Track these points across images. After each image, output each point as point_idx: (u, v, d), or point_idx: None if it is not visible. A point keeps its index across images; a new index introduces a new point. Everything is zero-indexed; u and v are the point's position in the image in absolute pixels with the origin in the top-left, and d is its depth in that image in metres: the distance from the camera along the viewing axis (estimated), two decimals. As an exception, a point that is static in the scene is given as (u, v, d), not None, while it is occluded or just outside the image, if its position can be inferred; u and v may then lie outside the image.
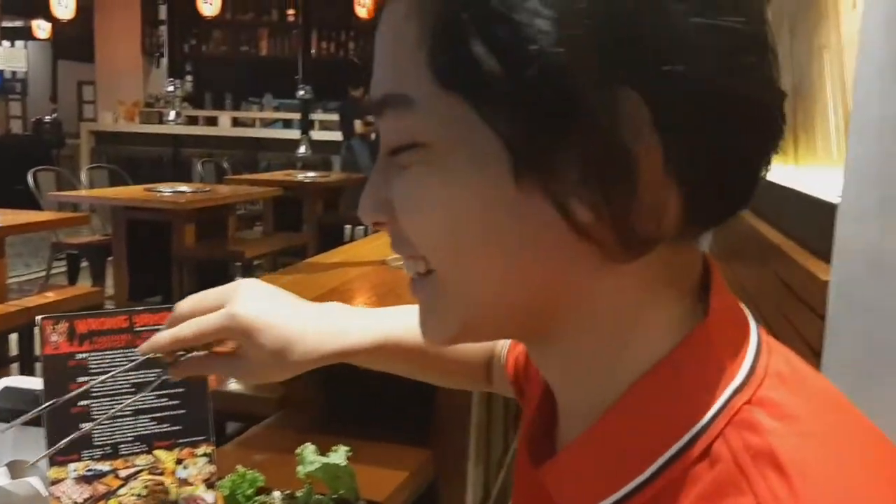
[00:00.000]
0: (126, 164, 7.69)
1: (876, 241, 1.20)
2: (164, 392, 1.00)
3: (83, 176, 6.11)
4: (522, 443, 0.56)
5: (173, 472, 1.01)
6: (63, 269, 5.66)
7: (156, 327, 1.00)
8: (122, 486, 0.98)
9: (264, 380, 0.76)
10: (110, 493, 0.97)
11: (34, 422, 0.98)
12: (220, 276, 5.23)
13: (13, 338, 3.84)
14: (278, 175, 6.93)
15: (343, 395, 1.97)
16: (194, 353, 0.76)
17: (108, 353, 0.97)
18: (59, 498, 0.95)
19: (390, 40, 0.45)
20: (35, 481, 0.97)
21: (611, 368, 0.46)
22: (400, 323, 0.79)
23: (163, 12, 10.22)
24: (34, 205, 5.31)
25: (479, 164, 0.42)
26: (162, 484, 1.00)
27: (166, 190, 5.16)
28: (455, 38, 0.40)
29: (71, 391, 0.96)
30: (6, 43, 10.64)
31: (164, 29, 10.22)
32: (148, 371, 1.00)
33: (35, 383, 1.03)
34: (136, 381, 0.99)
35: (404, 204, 0.46)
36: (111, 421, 0.98)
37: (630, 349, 0.45)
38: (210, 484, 1.02)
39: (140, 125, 9.68)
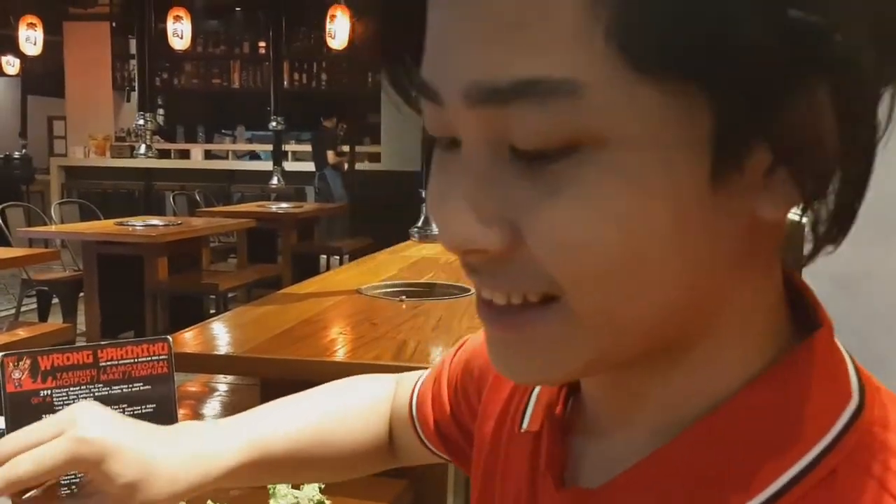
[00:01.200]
0: (98, 199, 7.64)
1: (842, 259, 1.22)
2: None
3: (53, 211, 6.04)
4: (534, 470, 0.48)
5: (142, 510, 0.98)
6: (33, 306, 5.58)
7: (121, 362, 0.99)
8: (88, 525, 0.96)
9: None
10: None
11: None
12: (194, 308, 5.19)
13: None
14: (252, 206, 6.91)
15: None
16: (31, 494, 0.62)
17: (73, 389, 0.95)
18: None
19: (513, 3, 0.33)
20: (-2, 524, 0.94)
21: (716, 374, 0.41)
22: (268, 429, 0.70)
23: (133, 46, 10.22)
24: (3, 241, 5.25)
25: (672, 166, 0.34)
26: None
27: (138, 224, 5.12)
28: (680, 13, 0.31)
29: (35, 429, 0.94)
30: (-26, 79, 10.56)
31: (134, 63, 10.22)
32: (116, 406, 0.98)
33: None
34: (102, 417, 0.97)
35: (559, 224, 0.35)
36: (77, 459, 0.95)
37: (744, 355, 0.41)
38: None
39: (111, 159, 9.63)
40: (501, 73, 0.33)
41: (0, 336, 3.69)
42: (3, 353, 0.94)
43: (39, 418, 0.94)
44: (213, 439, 0.68)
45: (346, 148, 8.56)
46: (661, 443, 0.40)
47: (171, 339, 1.02)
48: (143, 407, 0.99)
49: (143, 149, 4.59)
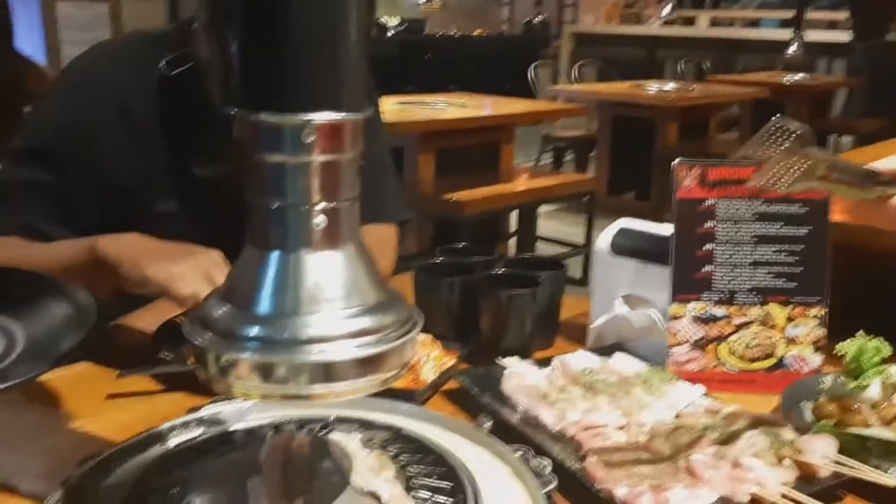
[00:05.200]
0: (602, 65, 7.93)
1: None
2: (783, 247, 1.00)
3: (574, 71, 6.45)
4: None
5: (783, 329, 1.01)
6: (549, 160, 6.10)
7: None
8: (733, 333, 1.01)
9: None
10: (721, 338, 1.01)
11: (657, 259, 1.05)
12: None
13: (513, 215, 4.24)
14: (762, 76, 6.56)
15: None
16: None
17: (734, 201, 0.99)
18: (675, 333, 1.01)
19: None
20: (654, 314, 1.04)
21: None
22: None
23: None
24: (529, 96, 5.76)
25: None
26: (770, 338, 1.01)
27: (653, 87, 5.21)
28: None
29: (697, 235, 1.01)
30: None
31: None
32: (771, 224, 1.00)
33: (646, 226, 1.10)
34: (759, 232, 1.00)
35: None
36: (730, 268, 1.00)
37: None
38: (818, 347, 1.01)
39: (619, 26, 9.87)
40: None
41: (526, 181, 4.04)
42: (678, 160, 1.01)
43: (702, 225, 1.01)
44: None
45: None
46: None
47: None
48: (798, 228, 1.00)
49: (667, 9, 4.58)
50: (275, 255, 0.57)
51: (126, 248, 1.03)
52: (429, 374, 0.99)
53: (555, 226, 4.94)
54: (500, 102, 4.17)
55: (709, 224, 0.99)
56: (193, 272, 0.97)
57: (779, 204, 0.98)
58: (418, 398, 0.94)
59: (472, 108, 3.91)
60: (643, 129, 5.07)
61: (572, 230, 4.65)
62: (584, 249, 4.29)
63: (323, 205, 0.56)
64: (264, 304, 0.57)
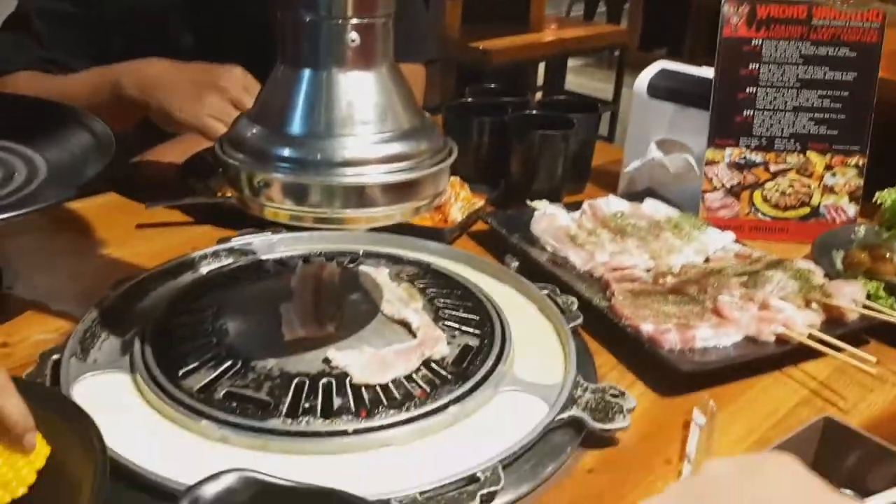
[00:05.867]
0: None
1: None
2: (827, 93, 0.96)
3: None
4: None
5: (821, 178, 0.98)
6: (580, 11, 5.87)
7: (833, 23, 0.95)
8: (769, 180, 0.99)
9: None
10: (757, 185, 0.99)
11: (695, 103, 1.01)
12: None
13: (541, 69, 4.13)
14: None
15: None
16: None
17: (781, 42, 0.95)
18: (710, 179, 0.99)
19: None
20: (690, 158, 1.02)
21: None
22: None
23: None
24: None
25: None
26: (808, 186, 0.99)
27: (694, -67, 4.92)
28: None
29: (741, 77, 0.97)
30: None
31: None
32: (817, 67, 0.96)
33: (686, 68, 1.06)
34: (804, 76, 0.96)
35: None
36: (771, 113, 0.97)
37: None
38: (854, 197, 0.99)
39: None
40: None
41: (556, 31, 3.90)
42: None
43: (746, 66, 0.97)
44: None
45: None
46: None
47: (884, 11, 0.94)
48: (844, 73, 0.95)
49: None
50: (306, 73, 0.55)
51: (150, 86, 1.00)
52: (457, 214, 0.98)
53: (583, 81, 4.82)
54: (531, -54, 3.96)
55: (753, 66, 0.95)
56: (222, 106, 0.94)
57: (827, 46, 0.94)
58: (447, 236, 0.94)
59: (503, -48, 3.73)
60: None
61: (601, 86, 4.54)
62: (613, 106, 4.19)
63: (356, 20, 0.54)
64: (296, 125, 0.55)
